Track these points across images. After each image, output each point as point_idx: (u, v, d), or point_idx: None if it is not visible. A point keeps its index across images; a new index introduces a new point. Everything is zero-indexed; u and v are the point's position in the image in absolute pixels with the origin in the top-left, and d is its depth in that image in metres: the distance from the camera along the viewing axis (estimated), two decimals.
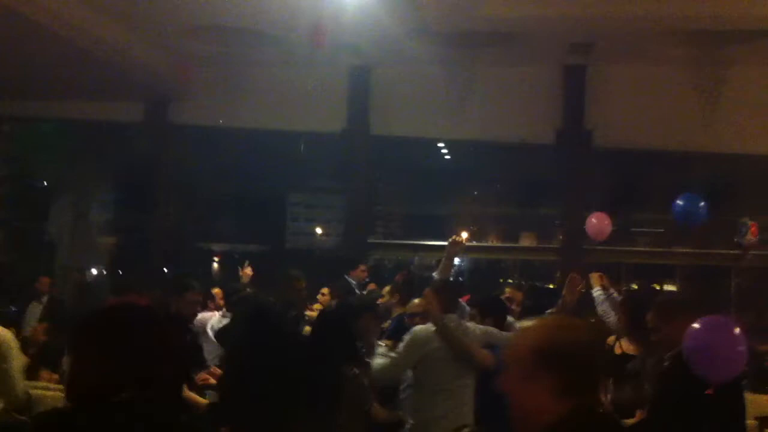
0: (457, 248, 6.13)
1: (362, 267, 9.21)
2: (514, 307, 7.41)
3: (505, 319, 5.98)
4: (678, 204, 7.86)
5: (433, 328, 5.11)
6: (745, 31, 9.45)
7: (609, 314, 7.05)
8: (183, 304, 5.54)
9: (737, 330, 4.46)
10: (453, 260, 6.17)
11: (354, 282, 9.19)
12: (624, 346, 6.60)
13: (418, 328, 5.22)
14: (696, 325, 4.67)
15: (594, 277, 7.16)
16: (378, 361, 5.14)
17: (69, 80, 9.82)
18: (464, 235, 6.34)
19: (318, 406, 4.97)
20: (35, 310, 9.94)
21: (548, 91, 11.12)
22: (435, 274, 6.12)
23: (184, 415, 2.56)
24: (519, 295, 7.89)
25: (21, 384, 4.85)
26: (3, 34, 8.40)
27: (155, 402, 2.14)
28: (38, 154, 14.13)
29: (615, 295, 7.13)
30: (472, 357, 5.08)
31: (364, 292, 8.80)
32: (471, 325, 5.45)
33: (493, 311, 5.86)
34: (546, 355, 2.04)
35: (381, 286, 8.77)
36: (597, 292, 7.19)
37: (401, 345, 5.16)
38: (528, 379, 2.06)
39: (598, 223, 8.99)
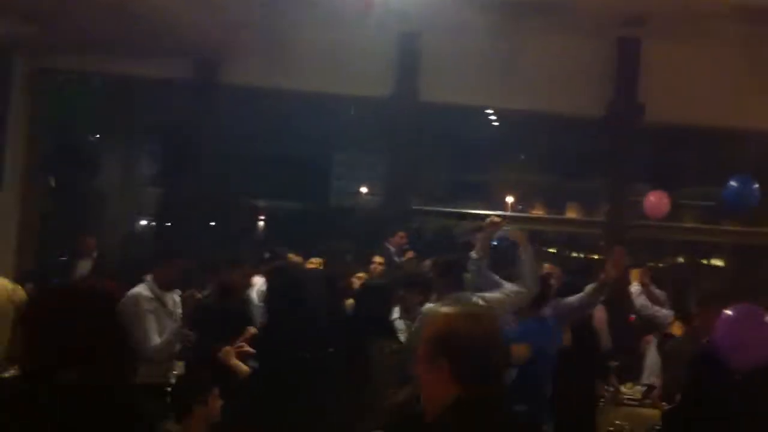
0: (494, 229, 6.12)
1: (401, 234, 9.19)
2: (553, 282, 7.26)
3: (545, 298, 5.85)
4: (730, 185, 7.71)
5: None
6: None
7: (647, 309, 6.97)
8: (236, 277, 5.80)
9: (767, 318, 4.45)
10: (490, 240, 6.15)
11: (393, 249, 9.21)
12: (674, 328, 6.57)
13: None
14: (727, 313, 4.67)
15: (635, 273, 7.05)
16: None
17: (117, 36, 9.89)
18: (497, 218, 6.24)
19: (344, 380, 5.06)
20: (85, 265, 10.18)
21: (601, 64, 10.93)
22: (473, 254, 6.10)
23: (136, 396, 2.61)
24: (558, 271, 7.75)
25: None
26: None
27: (99, 381, 2.19)
28: (89, 108, 14.35)
29: (657, 291, 7.04)
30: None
31: (403, 260, 8.80)
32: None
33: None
34: (444, 342, 2.09)
35: (421, 253, 8.75)
36: (635, 287, 7.10)
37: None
38: (428, 364, 2.12)
39: (656, 200, 8.94)
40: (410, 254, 8.80)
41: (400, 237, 9.09)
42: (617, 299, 7.01)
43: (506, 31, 10.53)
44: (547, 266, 7.54)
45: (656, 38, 10.62)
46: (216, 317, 5.57)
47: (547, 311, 5.71)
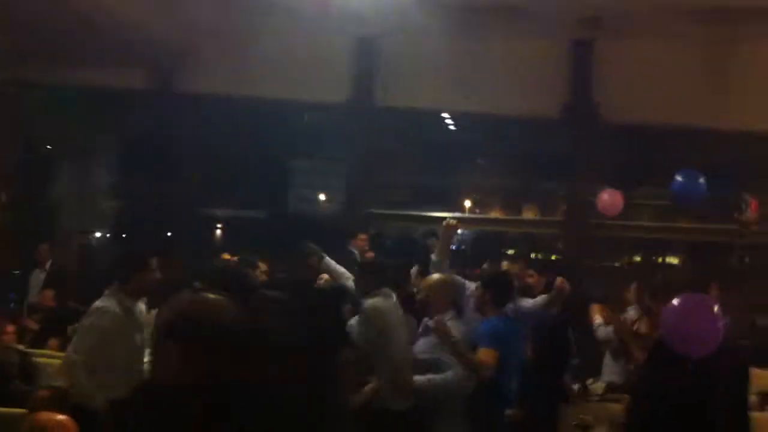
0: (451, 232, 6.23)
1: (362, 236, 9.18)
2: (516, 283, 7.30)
3: (506, 297, 5.86)
4: (677, 180, 7.82)
5: None
6: (756, 8, 9.38)
7: (610, 336, 7.03)
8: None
9: (714, 307, 4.54)
10: (449, 243, 6.25)
11: (356, 252, 9.19)
12: (643, 327, 6.64)
13: None
14: (673, 303, 4.75)
15: (595, 308, 7.10)
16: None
17: (73, 46, 9.79)
18: (454, 221, 6.32)
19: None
20: (39, 277, 9.98)
21: (556, 65, 11.06)
22: (433, 256, 6.16)
23: None
24: (516, 268, 7.79)
25: None
26: (9, 2, 8.37)
27: None
28: (42, 119, 14.11)
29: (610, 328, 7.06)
30: (473, 369, 5.14)
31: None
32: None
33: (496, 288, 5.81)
34: (173, 327, 2.22)
35: (381, 256, 8.74)
36: (597, 321, 7.16)
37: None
38: (160, 348, 2.27)
39: (610, 198, 9.04)
40: (370, 255, 8.78)
41: (361, 239, 9.10)
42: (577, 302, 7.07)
43: (462, 35, 10.61)
44: (505, 265, 7.55)
45: (611, 38, 10.78)
46: None
47: (508, 310, 5.76)
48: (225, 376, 2.21)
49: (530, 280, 7.11)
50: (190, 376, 2.18)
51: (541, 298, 6.15)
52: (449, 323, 5.30)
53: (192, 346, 2.20)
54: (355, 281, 6.10)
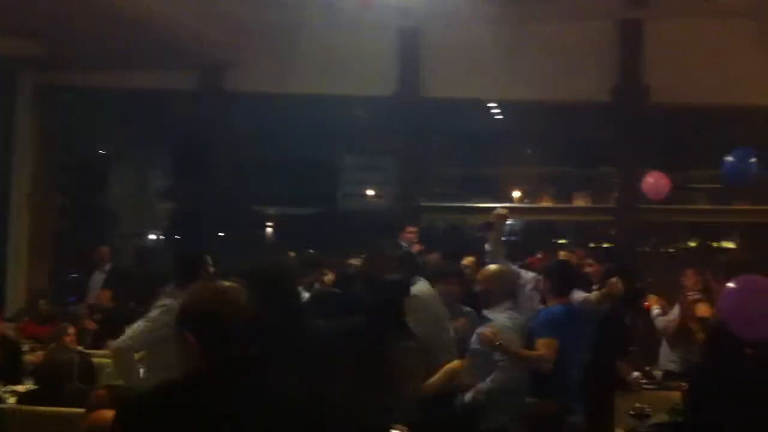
0: (501, 222, 6.21)
1: (410, 229, 9.14)
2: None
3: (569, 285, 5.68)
4: (727, 160, 7.65)
5: None
6: None
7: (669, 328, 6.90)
8: None
9: None
10: (500, 234, 6.23)
11: (405, 245, 9.17)
12: (702, 311, 6.55)
13: None
14: (730, 285, 4.63)
15: (653, 298, 7.01)
16: None
17: (123, 50, 9.94)
18: (503, 209, 6.28)
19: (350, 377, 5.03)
20: (98, 278, 10.20)
21: (602, 48, 10.89)
22: (487, 247, 6.15)
23: None
24: (573, 257, 7.72)
25: None
26: (57, 7, 8.54)
27: None
28: (97, 124, 14.40)
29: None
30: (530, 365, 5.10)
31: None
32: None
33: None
34: (185, 315, 2.36)
35: (432, 248, 8.74)
36: (656, 311, 7.08)
37: None
38: (177, 335, 2.38)
39: (655, 182, 8.87)
40: (419, 248, 8.78)
41: (409, 232, 9.05)
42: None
43: (506, 21, 10.53)
44: (563, 253, 7.50)
45: (659, 17, 10.57)
46: None
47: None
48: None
49: (589, 269, 7.01)
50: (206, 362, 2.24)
51: (593, 295, 6.03)
52: (507, 314, 5.30)
53: (202, 333, 2.28)
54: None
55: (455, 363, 5.34)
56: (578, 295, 6.04)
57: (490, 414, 5.18)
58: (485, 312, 5.40)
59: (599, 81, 10.88)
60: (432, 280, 5.94)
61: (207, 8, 9.92)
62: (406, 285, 5.43)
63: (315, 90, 11.39)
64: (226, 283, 2.43)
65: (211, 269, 5.47)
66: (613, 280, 5.69)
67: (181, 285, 5.30)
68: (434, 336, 5.49)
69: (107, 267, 10.40)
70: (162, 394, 2.35)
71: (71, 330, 7.20)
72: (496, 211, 6.35)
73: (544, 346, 5.16)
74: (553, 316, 5.35)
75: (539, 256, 8.05)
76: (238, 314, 2.34)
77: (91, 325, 8.60)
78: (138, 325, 5.19)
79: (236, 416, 2.22)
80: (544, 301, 5.70)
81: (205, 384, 2.28)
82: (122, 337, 5.16)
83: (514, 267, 6.48)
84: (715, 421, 4.61)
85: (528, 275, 6.32)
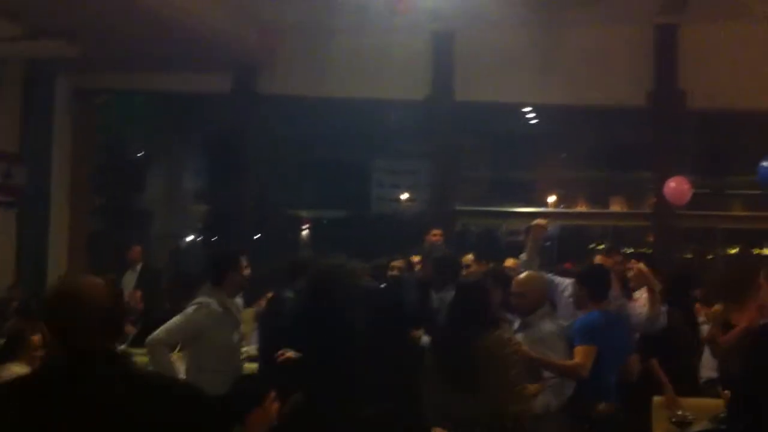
0: (539, 232, 6.16)
1: (435, 231, 9.07)
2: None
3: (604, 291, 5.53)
4: (763, 165, 7.54)
5: None
6: None
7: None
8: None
9: None
10: (538, 243, 6.18)
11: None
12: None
13: None
14: None
15: (698, 307, 6.88)
16: None
17: (157, 53, 10.03)
18: (543, 221, 6.25)
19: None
20: (130, 278, 10.25)
21: (639, 52, 10.79)
22: (523, 256, 6.11)
23: None
24: (610, 263, 7.60)
25: None
26: (92, 9, 8.64)
27: None
28: (132, 125, 14.57)
29: None
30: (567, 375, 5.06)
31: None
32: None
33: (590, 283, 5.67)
34: (44, 307, 2.47)
35: (466, 252, 8.70)
36: (701, 319, 6.95)
37: None
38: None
39: (677, 186, 8.75)
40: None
41: (435, 235, 8.97)
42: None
43: (541, 25, 10.47)
44: (598, 258, 7.40)
45: (695, 22, 10.46)
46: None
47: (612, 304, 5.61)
48: None
49: (630, 274, 6.89)
50: None
51: (645, 313, 5.93)
52: (549, 320, 5.26)
53: (55, 325, 2.41)
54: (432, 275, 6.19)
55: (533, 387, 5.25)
56: (632, 309, 5.98)
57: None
58: (527, 318, 5.35)
59: (635, 85, 10.78)
60: None
61: (240, 11, 9.99)
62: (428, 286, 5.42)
63: (348, 93, 11.42)
64: (89, 278, 2.49)
65: (247, 270, 5.52)
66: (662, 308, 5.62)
67: (216, 284, 5.39)
68: None
69: (138, 267, 10.42)
70: (17, 385, 2.41)
71: None
72: (535, 221, 6.30)
73: (581, 354, 5.07)
74: (590, 322, 5.23)
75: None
76: (92, 309, 2.38)
77: (129, 329, 8.66)
78: (173, 321, 5.25)
79: (85, 408, 2.27)
80: (578, 306, 5.62)
81: (58, 376, 2.33)
82: (156, 332, 5.22)
83: (549, 275, 6.42)
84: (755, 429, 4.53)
85: (565, 281, 6.25)
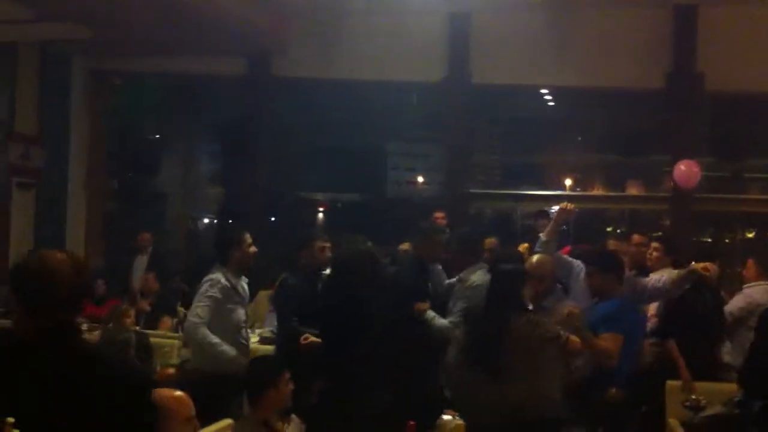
0: (566, 216, 6.17)
1: (438, 213, 9.02)
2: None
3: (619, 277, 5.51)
4: None
5: None
6: None
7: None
8: (314, 253, 5.95)
9: None
10: (560, 225, 6.19)
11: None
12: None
13: None
14: None
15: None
16: None
17: (171, 35, 10.04)
18: (571, 204, 6.22)
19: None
20: (141, 261, 10.34)
21: (657, 34, 10.64)
22: (542, 236, 6.09)
23: None
24: (625, 248, 7.52)
25: None
26: None
27: None
28: (147, 109, 14.61)
29: None
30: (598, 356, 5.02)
31: None
32: None
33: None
34: (11, 280, 2.53)
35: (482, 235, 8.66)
36: None
37: None
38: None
39: (686, 169, 8.69)
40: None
41: (438, 217, 8.91)
42: None
43: (557, 6, 10.37)
44: (611, 243, 7.36)
45: (714, 4, 10.33)
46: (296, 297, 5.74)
47: (627, 290, 5.58)
48: None
49: (655, 254, 6.61)
50: None
51: (675, 273, 5.89)
52: (565, 303, 5.23)
53: (22, 299, 2.54)
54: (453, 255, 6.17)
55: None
56: (651, 279, 5.94)
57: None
58: (543, 303, 5.32)
59: (653, 68, 10.66)
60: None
61: None
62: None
63: (363, 76, 11.36)
64: (55, 253, 2.58)
65: (252, 248, 5.60)
66: (708, 265, 5.58)
67: (222, 263, 5.50)
68: None
69: (149, 251, 10.54)
70: None
71: (131, 312, 7.33)
72: (562, 205, 6.28)
73: (611, 341, 4.96)
74: (611, 311, 5.15)
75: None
76: (57, 283, 2.47)
77: (144, 305, 8.76)
78: (197, 303, 5.38)
79: (48, 381, 2.37)
80: (594, 294, 5.56)
81: (25, 348, 2.43)
82: (190, 318, 5.36)
83: (565, 257, 6.40)
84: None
85: (580, 264, 6.20)
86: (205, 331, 5.28)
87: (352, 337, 5.07)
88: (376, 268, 5.37)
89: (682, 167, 8.67)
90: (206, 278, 5.48)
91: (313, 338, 5.49)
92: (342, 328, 5.16)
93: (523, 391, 4.51)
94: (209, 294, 5.36)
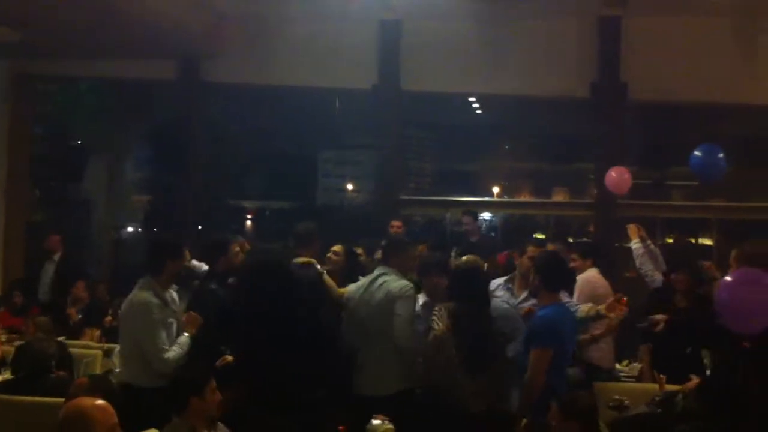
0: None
1: (395, 222, 9.08)
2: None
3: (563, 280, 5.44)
4: (695, 155, 7.62)
5: None
6: None
7: (646, 266, 6.94)
8: (230, 259, 5.86)
9: None
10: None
11: None
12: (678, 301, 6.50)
13: None
14: (727, 278, 4.58)
15: (631, 229, 7.02)
16: None
17: (101, 39, 9.80)
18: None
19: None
20: (49, 269, 9.87)
21: (582, 45, 10.90)
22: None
23: None
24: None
25: None
26: None
27: None
28: (73, 113, 14.23)
29: (652, 246, 7.02)
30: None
31: None
32: None
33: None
34: None
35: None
36: (635, 244, 7.07)
37: None
38: None
39: (617, 176, 8.89)
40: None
41: (396, 226, 8.96)
42: None
43: (487, 16, 10.51)
44: (531, 249, 7.32)
45: (637, 14, 10.61)
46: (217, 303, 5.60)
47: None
48: None
49: (573, 264, 6.69)
50: None
51: (586, 311, 5.55)
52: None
53: None
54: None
55: None
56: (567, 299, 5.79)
57: None
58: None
59: (578, 77, 10.90)
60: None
61: None
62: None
63: (294, 82, 11.33)
64: None
65: (240, 256, 5.53)
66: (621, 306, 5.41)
67: (154, 274, 5.30)
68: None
69: (57, 256, 9.89)
70: None
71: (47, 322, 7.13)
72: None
73: (538, 358, 4.80)
74: (550, 322, 4.92)
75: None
76: None
77: (73, 313, 8.54)
78: (152, 334, 5.15)
79: None
80: (533, 295, 5.38)
81: None
82: (156, 355, 5.12)
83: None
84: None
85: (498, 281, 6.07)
86: (175, 353, 5.15)
87: (263, 344, 5.02)
88: (280, 274, 5.28)
89: (613, 174, 8.86)
90: (135, 302, 5.25)
91: (228, 358, 5.34)
92: (252, 335, 5.11)
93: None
94: (149, 320, 5.18)
